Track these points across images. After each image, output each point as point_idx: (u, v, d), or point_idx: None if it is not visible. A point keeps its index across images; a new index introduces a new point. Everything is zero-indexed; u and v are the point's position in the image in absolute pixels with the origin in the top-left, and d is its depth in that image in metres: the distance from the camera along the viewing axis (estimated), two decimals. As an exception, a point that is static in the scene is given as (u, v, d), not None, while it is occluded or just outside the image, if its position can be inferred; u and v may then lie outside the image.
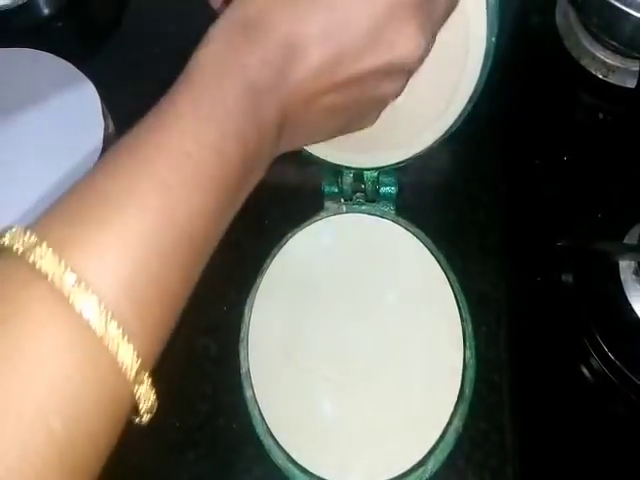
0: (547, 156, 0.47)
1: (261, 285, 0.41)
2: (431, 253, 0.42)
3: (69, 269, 0.17)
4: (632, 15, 0.43)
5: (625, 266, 0.42)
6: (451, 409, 0.37)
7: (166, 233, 0.20)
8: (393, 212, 0.43)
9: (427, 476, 0.36)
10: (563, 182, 0.46)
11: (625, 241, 0.43)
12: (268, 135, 0.23)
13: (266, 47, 0.21)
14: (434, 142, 0.40)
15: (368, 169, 0.42)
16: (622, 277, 0.42)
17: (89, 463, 0.18)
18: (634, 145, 0.47)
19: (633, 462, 0.38)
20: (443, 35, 0.37)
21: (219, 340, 0.42)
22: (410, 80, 0.38)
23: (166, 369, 0.42)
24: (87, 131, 0.44)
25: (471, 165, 0.46)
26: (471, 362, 0.38)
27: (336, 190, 0.43)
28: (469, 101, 0.38)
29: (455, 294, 0.40)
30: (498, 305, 0.42)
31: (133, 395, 0.19)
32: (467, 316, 0.40)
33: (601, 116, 0.49)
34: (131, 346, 0.18)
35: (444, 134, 0.39)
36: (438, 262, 0.41)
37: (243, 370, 0.39)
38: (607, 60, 0.49)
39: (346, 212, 0.44)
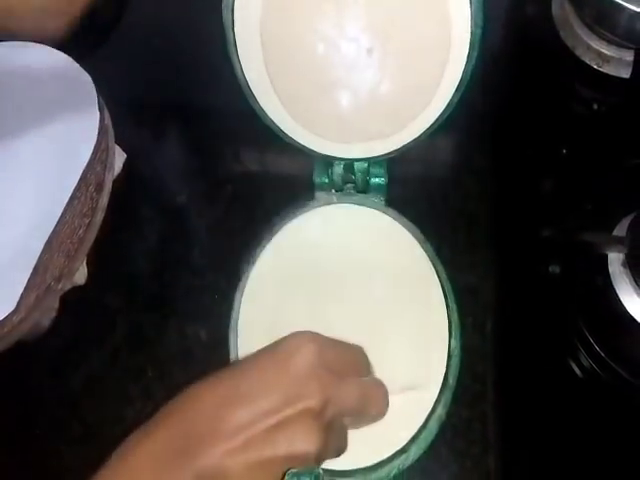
0: (539, 147, 0.47)
1: (251, 274, 0.42)
2: (419, 244, 0.42)
3: None
4: (626, 7, 0.43)
5: (614, 258, 0.42)
6: (435, 397, 0.37)
7: None
8: (383, 203, 0.44)
9: (409, 463, 0.36)
10: (554, 174, 0.46)
11: (615, 233, 0.43)
12: None
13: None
14: (423, 133, 0.40)
15: (358, 160, 0.42)
16: (610, 269, 0.42)
17: None
18: (627, 136, 0.47)
19: (615, 453, 0.39)
20: (426, 26, 0.37)
21: (210, 327, 0.43)
22: (395, 70, 0.39)
23: (158, 355, 0.44)
24: (83, 122, 0.45)
25: (461, 157, 0.47)
26: (456, 351, 0.39)
27: (327, 181, 0.43)
28: (456, 91, 0.38)
29: (442, 284, 0.41)
30: (485, 296, 0.42)
31: None
32: (453, 305, 0.40)
33: (595, 106, 0.49)
34: None
35: (432, 124, 0.40)
36: (426, 253, 0.42)
37: (232, 357, 0.40)
38: (602, 50, 0.49)
39: (336, 202, 0.44)
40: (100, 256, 0.43)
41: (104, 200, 0.45)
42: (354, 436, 0.37)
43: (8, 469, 0.40)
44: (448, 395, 0.38)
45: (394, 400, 0.38)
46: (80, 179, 0.43)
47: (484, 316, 0.42)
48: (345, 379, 0.32)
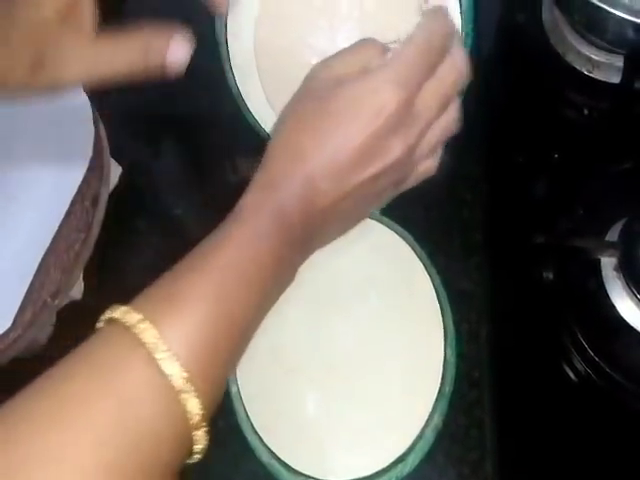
0: (531, 153, 0.47)
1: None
2: (413, 251, 0.42)
3: (162, 341, 0.25)
4: (615, 13, 0.43)
5: (606, 263, 0.42)
6: (431, 406, 0.38)
7: (224, 319, 0.27)
8: (377, 210, 0.44)
9: (407, 471, 0.37)
10: (546, 179, 0.46)
11: (607, 238, 0.43)
12: (297, 249, 0.31)
13: (289, 189, 0.29)
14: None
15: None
16: (603, 273, 0.42)
17: None
18: (619, 141, 0.47)
19: (611, 457, 0.39)
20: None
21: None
22: None
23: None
24: (78, 137, 0.45)
25: (455, 163, 0.47)
26: (451, 359, 0.39)
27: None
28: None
29: (437, 291, 0.41)
30: (480, 302, 0.43)
31: (192, 438, 0.25)
32: (448, 313, 0.40)
33: (586, 112, 0.49)
34: (198, 400, 0.25)
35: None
36: (420, 260, 0.42)
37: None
38: (592, 56, 0.49)
39: (331, 212, 0.44)
40: (97, 270, 0.43)
41: (100, 214, 0.45)
42: (352, 446, 0.38)
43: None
44: (444, 403, 0.38)
45: (390, 409, 0.38)
46: (76, 193, 0.44)
47: (479, 322, 0.42)
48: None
